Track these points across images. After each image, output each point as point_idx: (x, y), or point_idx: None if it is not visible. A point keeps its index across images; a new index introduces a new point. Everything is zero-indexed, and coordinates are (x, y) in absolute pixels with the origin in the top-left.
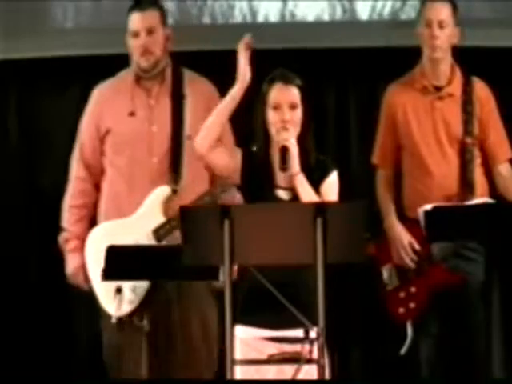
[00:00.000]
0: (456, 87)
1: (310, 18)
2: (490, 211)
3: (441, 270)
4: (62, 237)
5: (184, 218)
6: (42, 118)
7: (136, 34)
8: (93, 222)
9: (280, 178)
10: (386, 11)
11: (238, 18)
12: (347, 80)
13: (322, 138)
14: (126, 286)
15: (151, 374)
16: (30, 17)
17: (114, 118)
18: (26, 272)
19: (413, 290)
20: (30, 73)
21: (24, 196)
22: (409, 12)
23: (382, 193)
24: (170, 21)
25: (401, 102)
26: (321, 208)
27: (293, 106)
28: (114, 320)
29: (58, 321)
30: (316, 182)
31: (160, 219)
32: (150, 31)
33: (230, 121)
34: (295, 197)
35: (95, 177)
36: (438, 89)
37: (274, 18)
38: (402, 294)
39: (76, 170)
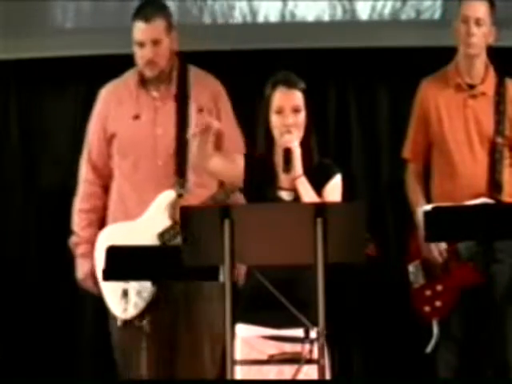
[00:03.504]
0: (489, 86)
1: (310, 18)
2: (489, 211)
3: (467, 269)
4: (71, 240)
5: (184, 219)
6: (42, 118)
7: (141, 44)
8: (103, 223)
9: (283, 179)
10: (386, 11)
11: (238, 18)
12: (347, 80)
13: (323, 139)
14: (132, 289)
15: (153, 375)
16: (30, 17)
17: (118, 122)
18: (25, 272)
19: (439, 288)
20: (30, 73)
21: (24, 196)
22: (409, 12)
23: (412, 188)
24: None
25: (434, 97)
26: (321, 208)
27: (296, 110)
28: (119, 323)
29: (59, 321)
30: (319, 185)
31: (166, 223)
32: (155, 42)
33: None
34: (298, 198)
35: (104, 179)
36: (472, 87)
37: (274, 17)
38: (428, 293)
39: (84, 172)
